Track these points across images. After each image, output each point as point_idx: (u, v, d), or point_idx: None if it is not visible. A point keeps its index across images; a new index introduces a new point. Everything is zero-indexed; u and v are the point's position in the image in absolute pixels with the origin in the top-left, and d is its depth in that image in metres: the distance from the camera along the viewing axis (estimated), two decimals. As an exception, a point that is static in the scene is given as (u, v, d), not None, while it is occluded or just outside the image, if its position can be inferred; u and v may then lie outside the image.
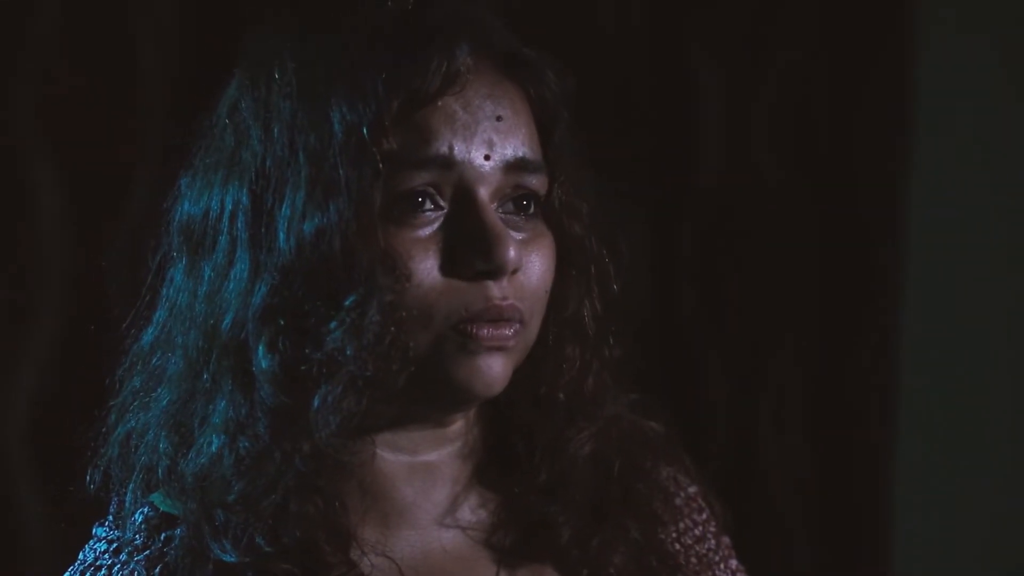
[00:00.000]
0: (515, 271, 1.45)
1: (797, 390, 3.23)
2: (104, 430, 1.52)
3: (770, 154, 3.18)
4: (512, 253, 1.43)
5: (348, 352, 1.40)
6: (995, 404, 3.21)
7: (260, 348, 1.41)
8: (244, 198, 1.44)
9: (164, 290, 1.51)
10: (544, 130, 1.51)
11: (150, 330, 1.52)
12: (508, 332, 1.45)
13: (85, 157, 2.50)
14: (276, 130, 1.43)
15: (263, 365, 1.41)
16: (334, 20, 1.47)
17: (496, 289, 1.44)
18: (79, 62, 2.50)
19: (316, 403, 1.41)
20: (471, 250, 1.43)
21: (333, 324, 1.40)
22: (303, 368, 1.41)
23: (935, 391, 3.23)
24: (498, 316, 1.44)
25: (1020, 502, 3.20)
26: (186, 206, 1.49)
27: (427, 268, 1.43)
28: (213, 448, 1.43)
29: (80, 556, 1.51)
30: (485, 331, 1.44)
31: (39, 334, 2.48)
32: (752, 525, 3.16)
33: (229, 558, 1.42)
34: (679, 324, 3.14)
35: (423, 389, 1.45)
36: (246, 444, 1.42)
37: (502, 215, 1.46)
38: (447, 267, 1.43)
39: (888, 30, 3.20)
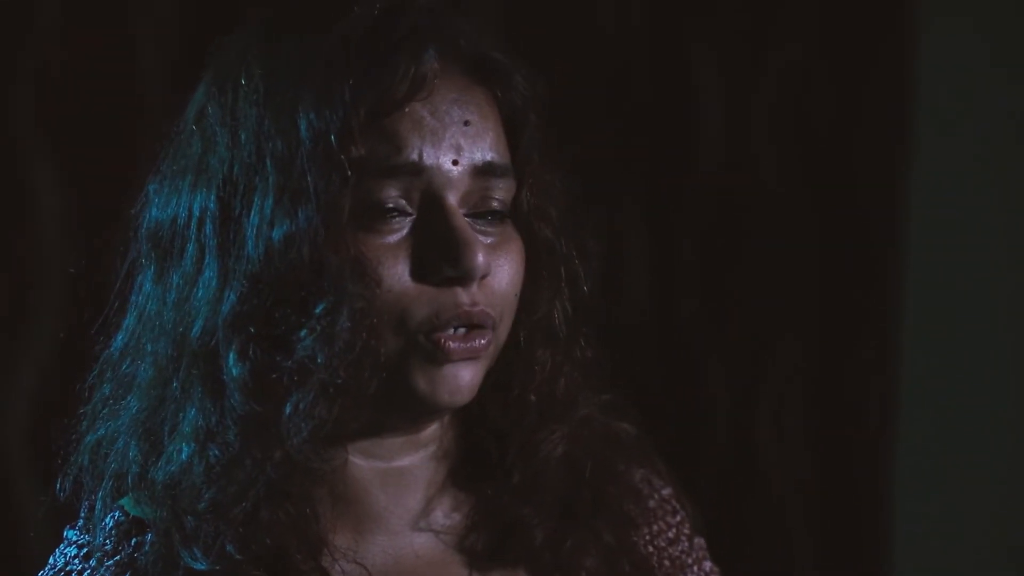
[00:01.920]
0: (484, 276, 1.44)
1: (797, 390, 3.23)
2: (74, 437, 1.51)
3: (770, 153, 3.18)
4: (480, 259, 1.43)
5: (319, 360, 1.39)
6: (995, 404, 3.22)
7: (231, 356, 1.41)
8: (212, 204, 1.44)
9: (133, 296, 1.50)
10: (513, 133, 1.51)
11: (120, 337, 1.51)
12: (479, 344, 1.44)
13: (85, 157, 2.50)
14: (243, 137, 1.43)
15: (234, 373, 1.41)
16: (301, 26, 1.46)
17: (465, 295, 1.43)
18: (79, 62, 2.49)
19: (287, 410, 1.40)
20: (440, 256, 1.43)
21: (303, 332, 1.40)
22: (274, 376, 1.40)
23: (935, 391, 3.23)
24: (468, 322, 1.43)
25: (1021, 502, 3.20)
26: (154, 212, 1.49)
27: (397, 274, 1.42)
28: (183, 456, 1.42)
29: (50, 560, 1.50)
30: (455, 344, 1.43)
31: (39, 334, 2.48)
32: (752, 525, 3.16)
33: (199, 566, 1.41)
34: (679, 324, 3.14)
35: (393, 397, 1.45)
36: (216, 452, 1.42)
37: (470, 220, 1.46)
38: (417, 273, 1.43)
39: (888, 29, 3.20)
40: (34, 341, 2.48)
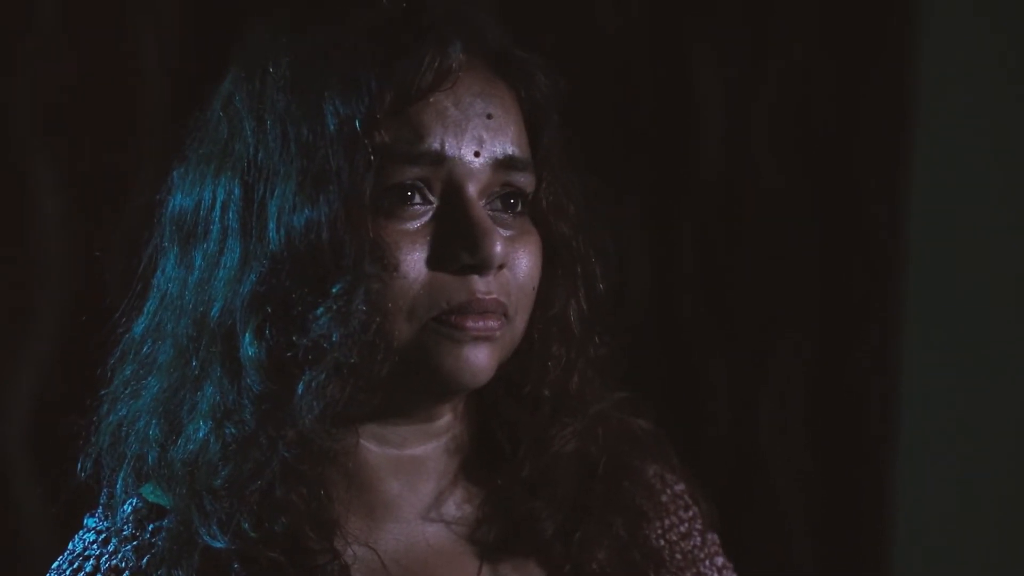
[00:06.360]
0: (501, 266, 1.47)
1: (798, 389, 3.23)
2: (95, 419, 1.53)
3: (770, 154, 3.18)
4: (498, 248, 1.45)
5: (334, 338, 1.41)
6: (996, 402, 3.22)
7: (247, 335, 1.43)
8: (236, 189, 1.46)
9: (155, 280, 1.52)
10: (533, 131, 1.53)
11: (141, 320, 1.53)
12: (493, 324, 1.46)
13: (85, 157, 2.50)
14: (269, 122, 1.45)
15: (249, 352, 1.43)
16: (329, 17, 1.49)
17: (481, 283, 1.45)
18: (79, 62, 2.49)
19: (300, 389, 1.42)
20: (458, 244, 1.45)
21: (320, 310, 1.42)
22: (289, 355, 1.42)
23: (936, 390, 3.23)
24: (481, 309, 1.45)
25: (1021, 501, 3.20)
26: (179, 197, 1.51)
27: (414, 260, 1.44)
28: (200, 434, 1.44)
29: (70, 546, 1.52)
30: (470, 322, 1.45)
31: (39, 334, 2.48)
32: (753, 525, 3.16)
33: (217, 543, 1.43)
34: (680, 324, 3.14)
35: (410, 380, 1.46)
36: (232, 430, 1.44)
37: (490, 212, 1.48)
38: (433, 260, 1.45)
39: (889, 29, 3.20)
40: (34, 341, 2.48)
